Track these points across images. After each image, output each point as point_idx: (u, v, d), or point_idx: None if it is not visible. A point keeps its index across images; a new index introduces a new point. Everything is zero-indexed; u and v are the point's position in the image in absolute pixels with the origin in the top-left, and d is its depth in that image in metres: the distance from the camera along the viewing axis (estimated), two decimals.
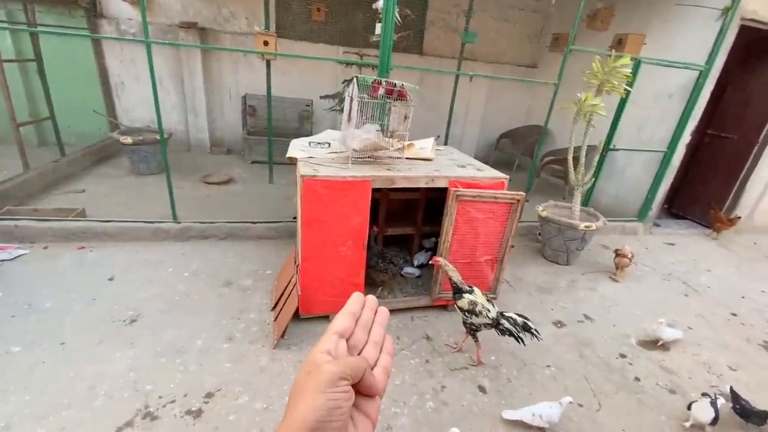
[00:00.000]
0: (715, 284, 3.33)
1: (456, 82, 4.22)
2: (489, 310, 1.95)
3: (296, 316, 2.24)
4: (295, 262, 2.36)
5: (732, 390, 1.90)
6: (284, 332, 2.13)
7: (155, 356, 1.96)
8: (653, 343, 2.45)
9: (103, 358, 1.92)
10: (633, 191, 4.35)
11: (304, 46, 5.17)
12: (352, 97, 1.99)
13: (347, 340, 0.43)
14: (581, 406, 1.93)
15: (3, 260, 2.58)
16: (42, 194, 3.51)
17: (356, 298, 0.47)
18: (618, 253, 3.16)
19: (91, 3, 4.63)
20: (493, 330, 1.99)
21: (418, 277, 2.77)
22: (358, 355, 0.43)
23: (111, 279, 2.54)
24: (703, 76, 3.61)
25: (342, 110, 3.02)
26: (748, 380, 2.23)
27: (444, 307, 2.56)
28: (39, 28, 3.98)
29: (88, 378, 1.80)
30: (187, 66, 4.95)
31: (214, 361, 1.97)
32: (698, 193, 4.73)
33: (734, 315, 2.89)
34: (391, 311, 2.46)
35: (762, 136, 4.15)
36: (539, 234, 3.67)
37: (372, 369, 0.42)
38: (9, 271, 2.50)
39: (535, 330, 1.94)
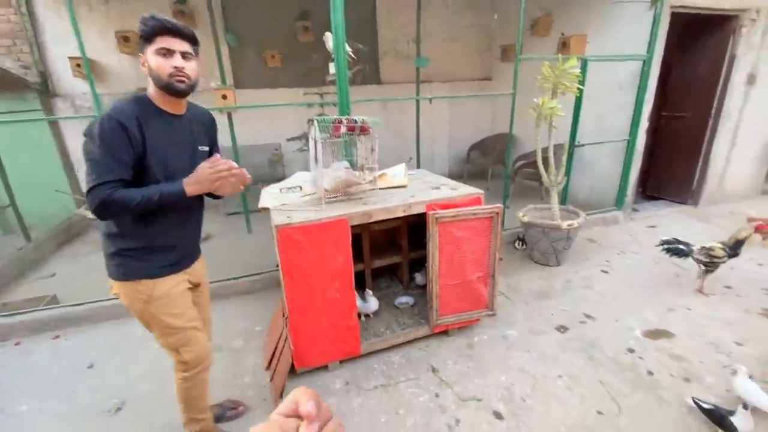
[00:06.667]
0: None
1: (417, 106, 4.32)
2: (716, 258, 2.68)
3: (293, 371, 2.13)
4: (284, 314, 2.26)
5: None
6: (282, 392, 2.01)
7: None
8: (659, 333, 2.42)
9: None
10: (606, 182, 4.44)
11: (264, 93, 5.22)
12: (315, 140, 1.98)
13: None
14: (601, 413, 1.86)
15: None
16: (11, 285, 3.33)
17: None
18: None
19: (43, 84, 4.58)
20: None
21: (413, 306, 2.69)
22: None
23: (90, 366, 2.37)
24: (647, 64, 3.78)
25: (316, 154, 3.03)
26: (758, 354, 2.21)
27: (445, 333, 2.49)
28: None
29: None
30: None
31: None
32: (667, 172, 4.88)
33: (728, 288, 2.91)
34: (391, 347, 2.38)
35: (713, 111, 4.35)
36: (515, 242, 3.69)
37: None
38: None
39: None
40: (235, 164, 1.34)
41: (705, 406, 1.74)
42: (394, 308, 2.69)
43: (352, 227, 2.24)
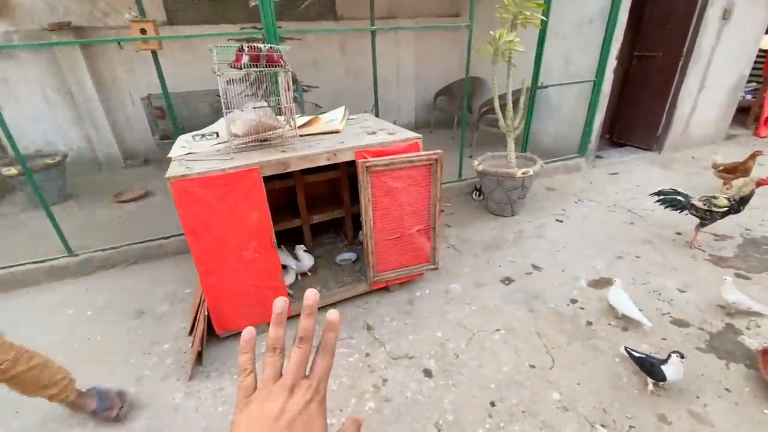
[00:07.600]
0: (659, 206, 3.30)
1: (373, 40, 3.88)
2: (716, 208, 2.46)
3: (215, 337, 1.98)
4: None
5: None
6: (200, 358, 1.86)
7: (44, 422, 1.65)
8: (604, 282, 2.36)
9: None
10: (571, 127, 4.24)
11: (204, 29, 4.63)
12: (215, 73, 1.66)
13: None
14: (533, 367, 1.79)
15: None
16: None
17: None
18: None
19: None
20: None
21: (354, 261, 2.53)
22: None
23: None
24: None
25: (255, 94, 2.67)
26: (699, 299, 2.18)
27: (386, 289, 2.36)
28: None
29: None
30: (71, 74, 4.32)
31: None
32: (635, 116, 4.71)
33: (679, 234, 2.86)
34: (328, 305, 2.24)
35: (685, 50, 4.11)
36: (473, 192, 3.53)
37: None
38: None
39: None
40: None
41: (636, 355, 1.69)
42: (336, 265, 2.52)
43: (283, 179, 2.00)
